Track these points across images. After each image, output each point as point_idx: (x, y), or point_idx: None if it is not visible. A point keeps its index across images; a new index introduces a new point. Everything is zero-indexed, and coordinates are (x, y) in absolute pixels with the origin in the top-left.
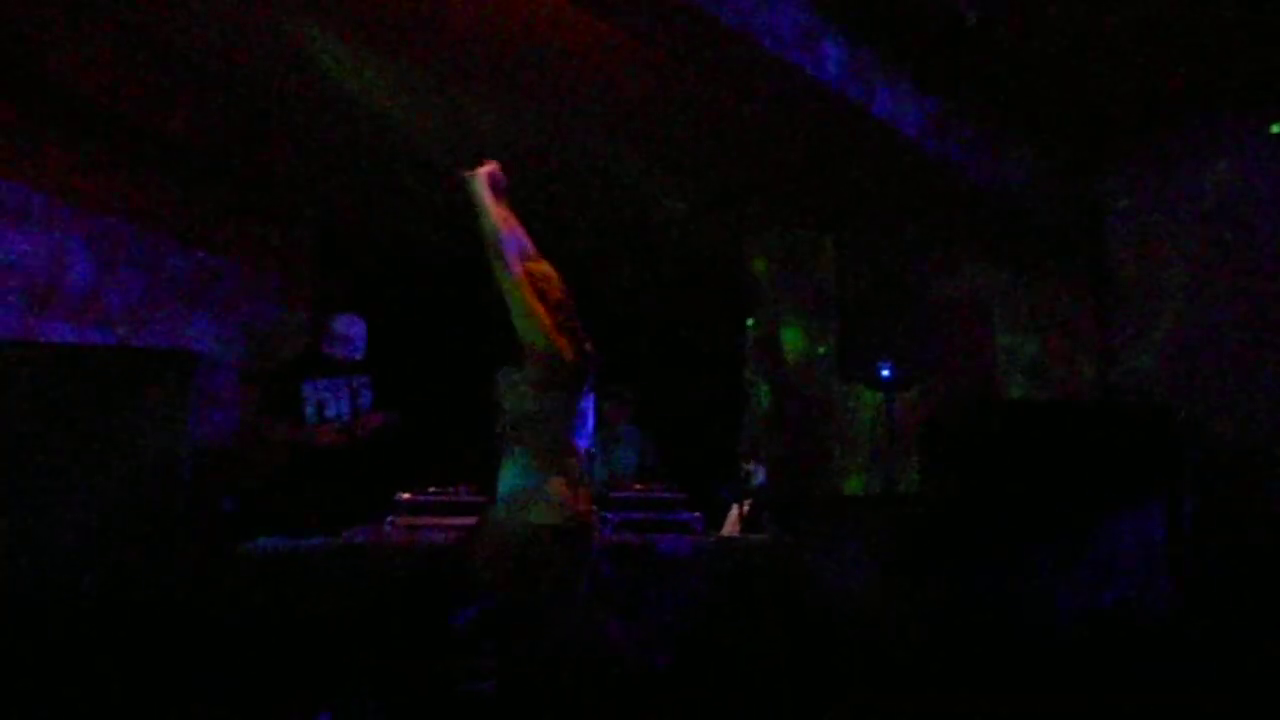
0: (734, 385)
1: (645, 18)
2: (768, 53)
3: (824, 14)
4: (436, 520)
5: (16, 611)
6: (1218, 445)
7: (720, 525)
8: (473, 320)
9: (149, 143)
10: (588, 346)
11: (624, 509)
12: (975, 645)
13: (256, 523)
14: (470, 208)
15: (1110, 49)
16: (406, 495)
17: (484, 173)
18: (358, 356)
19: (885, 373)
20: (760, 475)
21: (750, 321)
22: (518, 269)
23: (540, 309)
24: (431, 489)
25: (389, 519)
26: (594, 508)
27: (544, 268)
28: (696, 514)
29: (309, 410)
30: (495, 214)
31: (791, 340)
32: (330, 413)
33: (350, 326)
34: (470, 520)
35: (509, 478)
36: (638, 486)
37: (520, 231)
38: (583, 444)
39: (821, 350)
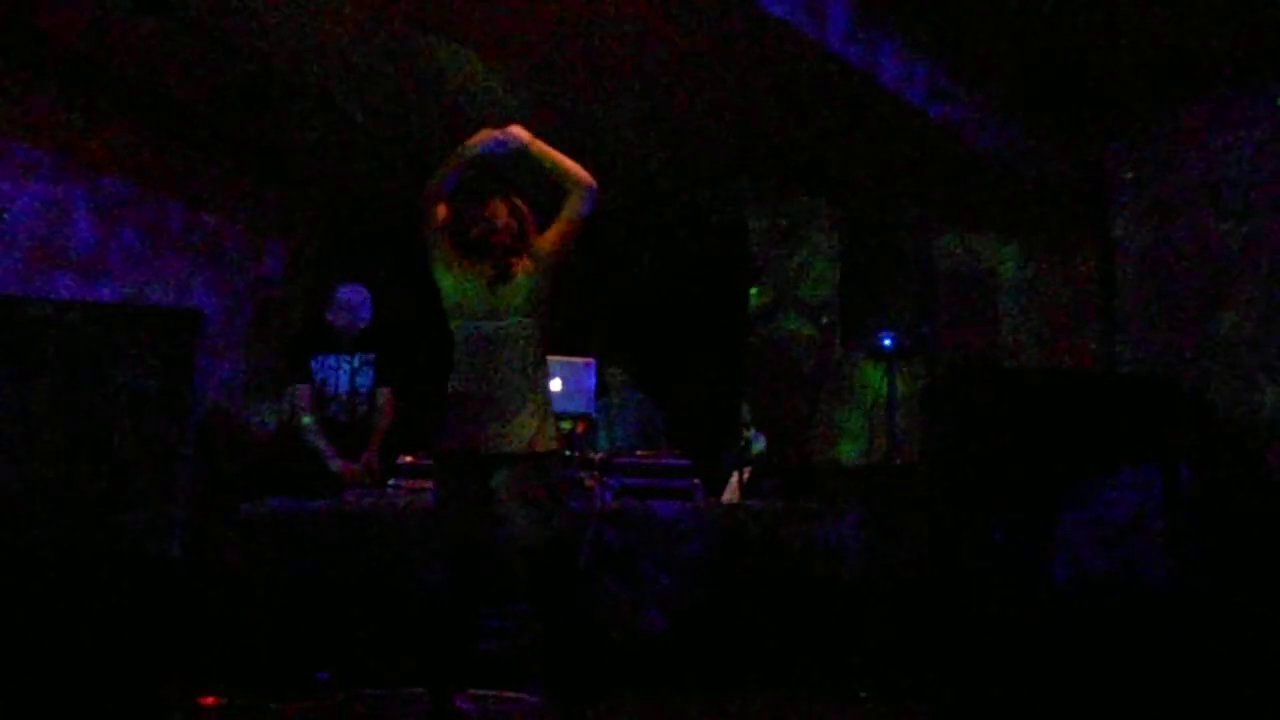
0: (736, 353)
1: None
2: (771, 16)
3: None
4: None
5: (20, 569)
6: (1220, 415)
7: (720, 493)
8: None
9: (156, 106)
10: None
11: (625, 474)
12: (971, 611)
13: (259, 484)
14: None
15: (1119, 17)
16: (409, 458)
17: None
18: (362, 325)
19: (887, 342)
20: (761, 443)
21: (753, 291)
22: None
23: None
24: None
25: (392, 482)
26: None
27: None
28: (697, 481)
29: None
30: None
31: (793, 310)
32: (330, 391)
33: (355, 295)
34: None
35: None
36: (639, 453)
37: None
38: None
39: (824, 320)
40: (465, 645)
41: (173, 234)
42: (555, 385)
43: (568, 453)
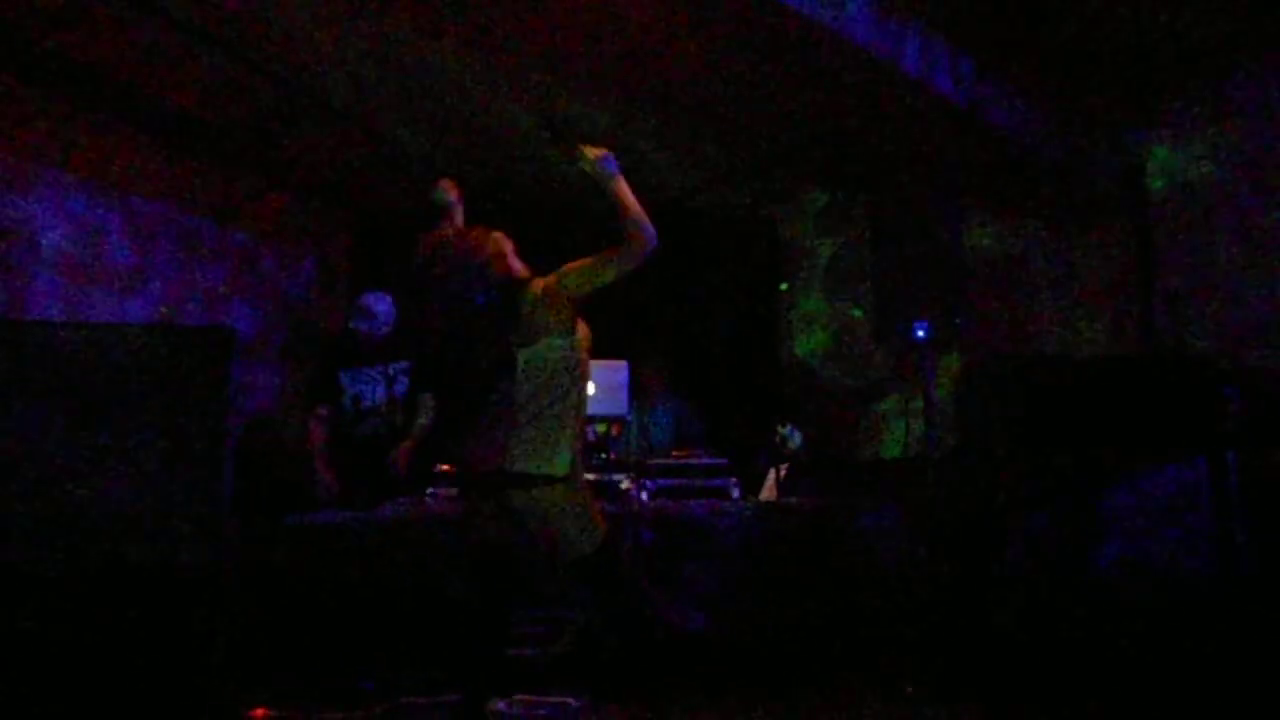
0: (770, 350)
1: None
2: (791, 8)
3: None
4: None
5: (60, 586)
6: (1265, 399)
7: (758, 490)
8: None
9: (186, 126)
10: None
11: (662, 476)
12: (1014, 603)
13: (297, 497)
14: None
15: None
16: (445, 467)
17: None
18: (384, 331)
19: (920, 333)
20: (797, 439)
21: (784, 286)
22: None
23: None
24: None
25: (429, 491)
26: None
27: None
28: (734, 479)
29: (346, 402)
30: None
31: (825, 303)
32: (367, 404)
33: (377, 302)
34: None
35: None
36: (675, 453)
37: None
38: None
39: (856, 313)
40: (498, 651)
41: (206, 251)
42: (589, 389)
43: (602, 455)
